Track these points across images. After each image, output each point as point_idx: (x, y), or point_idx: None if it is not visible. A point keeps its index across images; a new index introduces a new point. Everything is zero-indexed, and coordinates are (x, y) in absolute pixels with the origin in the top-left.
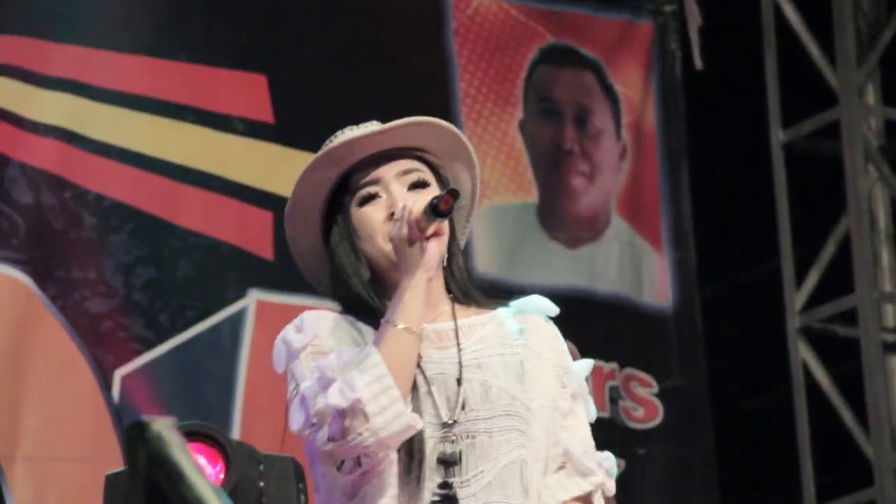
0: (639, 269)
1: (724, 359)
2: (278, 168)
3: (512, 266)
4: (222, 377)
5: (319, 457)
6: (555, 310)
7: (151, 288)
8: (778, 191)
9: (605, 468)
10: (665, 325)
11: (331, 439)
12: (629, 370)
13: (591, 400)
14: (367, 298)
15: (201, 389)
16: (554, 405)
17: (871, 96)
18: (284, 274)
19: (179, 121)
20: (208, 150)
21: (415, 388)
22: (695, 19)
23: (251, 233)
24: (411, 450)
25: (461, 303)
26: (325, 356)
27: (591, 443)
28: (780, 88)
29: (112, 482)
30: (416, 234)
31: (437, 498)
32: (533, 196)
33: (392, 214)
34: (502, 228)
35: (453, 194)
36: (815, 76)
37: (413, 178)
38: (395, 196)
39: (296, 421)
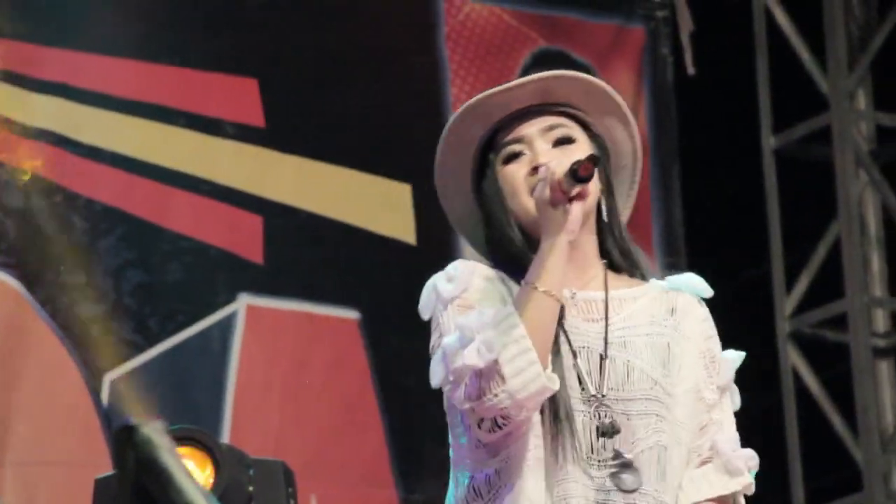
0: None
1: None
2: (269, 172)
3: None
4: (212, 382)
5: (462, 412)
6: (710, 292)
7: (141, 292)
8: (769, 195)
9: (750, 468)
10: None
11: (468, 399)
12: None
13: (736, 391)
14: (520, 258)
15: (191, 394)
16: (698, 393)
17: (862, 101)
18: (274, 278)
19: (170, 125)
20: (199, 154)
21: (560, 356)
22: (686, 24)
23: (241, 237)
24: (559, 417)
25: (615, 269)
26: (472, 309)
27: (738, 439)
28: (771, 93)
29: (101, 486)
30: (558, 196)
31: (614, 469)
32: None
33: (535, 169)
34: None
35: (593, 160)
36: (806, 81)
37: (557, 133)
38: (539, 152)
39: (436, 375)
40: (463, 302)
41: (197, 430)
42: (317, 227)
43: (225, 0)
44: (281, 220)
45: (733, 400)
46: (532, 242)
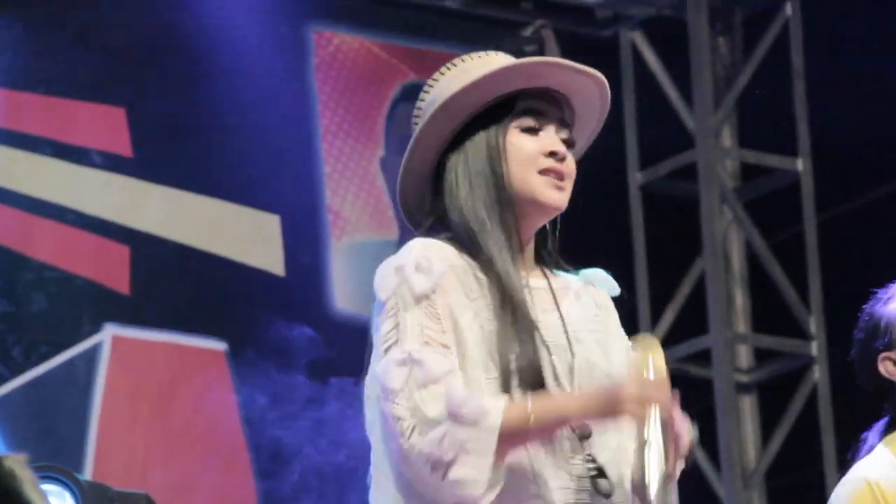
0: None
1: None
2: (136, 202)
3: (372, 303)
4: (76, 413)
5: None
6: (618, 290)
7: (4, 322)
8: (635, 231)
9: None
10: None
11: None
12: None
13: None
14: (485, 221)
15: (54, 425)
16: None
17: (728, 139)
18: (141, 309)
19: (36, 153)
20: (65, 183)
21: (539, 351)
22: None
23: (107, 267)
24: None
25: (542, 261)
26: (439, 323)
27: None
28: (637, 129)
29: None
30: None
31: (594, 472)
32: (393, 233)
33: (551, 154)
34: (362, 265)
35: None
36: (672, 118)
37: (566, 133)
38: (554, 140)
39: (392, 378)
40: (430, 306)
41: (58, 467)
42: (185, 257)
43: (91, 28)
44: (148, 250)
45: None
46: (505, 209)
